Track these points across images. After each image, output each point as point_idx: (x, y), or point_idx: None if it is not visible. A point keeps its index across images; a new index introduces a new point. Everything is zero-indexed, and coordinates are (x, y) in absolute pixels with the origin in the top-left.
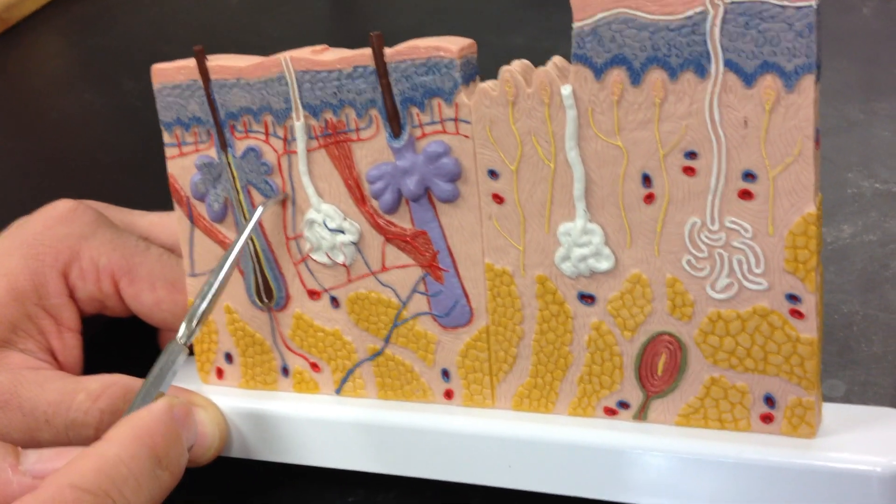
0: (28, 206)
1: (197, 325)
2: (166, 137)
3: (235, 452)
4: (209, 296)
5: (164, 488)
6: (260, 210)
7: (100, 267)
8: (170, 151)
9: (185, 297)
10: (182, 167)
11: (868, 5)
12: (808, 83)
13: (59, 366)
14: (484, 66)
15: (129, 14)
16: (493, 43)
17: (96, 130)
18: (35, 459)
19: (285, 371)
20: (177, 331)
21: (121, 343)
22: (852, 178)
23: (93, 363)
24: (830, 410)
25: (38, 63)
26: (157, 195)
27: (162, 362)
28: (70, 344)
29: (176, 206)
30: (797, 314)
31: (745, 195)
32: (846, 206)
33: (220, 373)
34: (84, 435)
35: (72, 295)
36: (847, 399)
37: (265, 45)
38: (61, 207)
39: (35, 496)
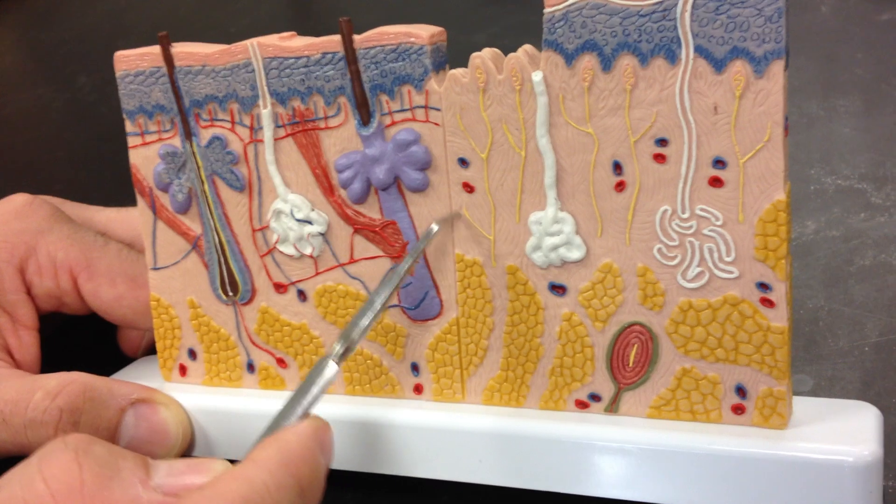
0: None
1: (357, 341)
2: (129, 126)
3: (199, 451)
4: (372, 312)
5: None
6: (435, 228)
7: (57, 262)
8: (132, 141)
9: (146, 292)
10: (145, 157)
11: (827, 3)
12: (777, 69)
13: (16, 364)
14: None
15: (83, 9)
16: (455, 40)
17: (50, 126)
18: (165, 472)
19: (251, 367)
20: (137, 327)
21: (79, 341)
22: (814, 174)
23: (50, 362)
24: (800, 403)
25: None
26: (112, 190)
27: (310, 377)
28: (27, 342)
29: (138, 197)
30: (767, 303)
31: (716, 182)
32: (809, 202)
33: (183, 370)
34: (43, 434)
35: (28, 291)
36: (815, 393)
37: (222, 41)
38: (17, 201)
39: None
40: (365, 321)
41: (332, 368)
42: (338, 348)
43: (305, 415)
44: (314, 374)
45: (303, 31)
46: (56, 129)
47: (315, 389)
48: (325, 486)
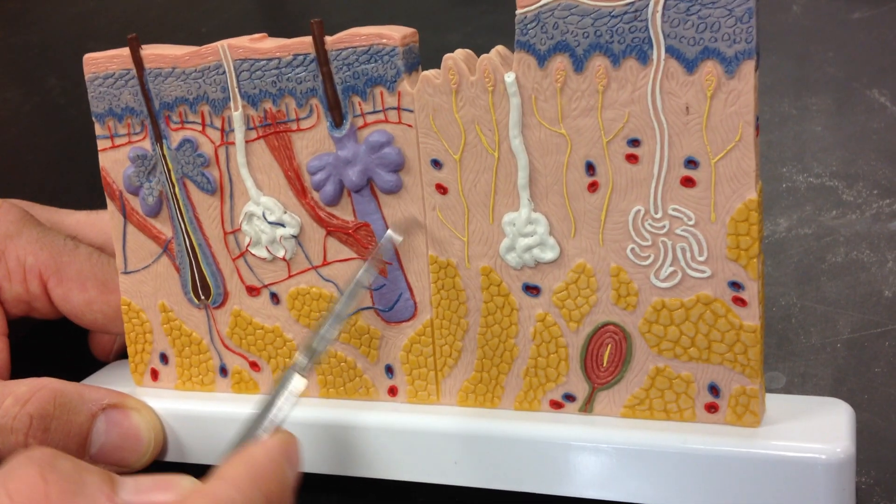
0: None
1: (321, 353)
2: (98, 129)
3: (172, 456)
4: (334, 322)
5: None
6: (389, 233)
7: (27, 266)
8: (102, 144)
9: (117, 296)
10: (114, 160)
11: (798, 3)
12: (748, 69)
13: None
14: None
15: (53, 11)
16: (427, 41)
17: (19, 129)
18: (132, 489)
19: (223, 371)
20: (108, 332)
21: (49, 346)
22: (786, 172)
23: (20, 368)
24: (773, 401)
25: None
26: (82, 194)
27: (277, 390)
28: None
29: (108, 200)
30: (740, 301)
31: (688, 182)
32: (781, 200)
33: (154, 374)
34: (13, 441)
35: None
36: (787, 390)
37: (193, 42)
38: None
39: None
40: (327, 332)
41: (298, 382)
42: (302, 361)
43: (273, 428)
44: (280, 388)
45: (274, 33)
46: (25, 132)
47: (281, 403)
48: (293, 500)
